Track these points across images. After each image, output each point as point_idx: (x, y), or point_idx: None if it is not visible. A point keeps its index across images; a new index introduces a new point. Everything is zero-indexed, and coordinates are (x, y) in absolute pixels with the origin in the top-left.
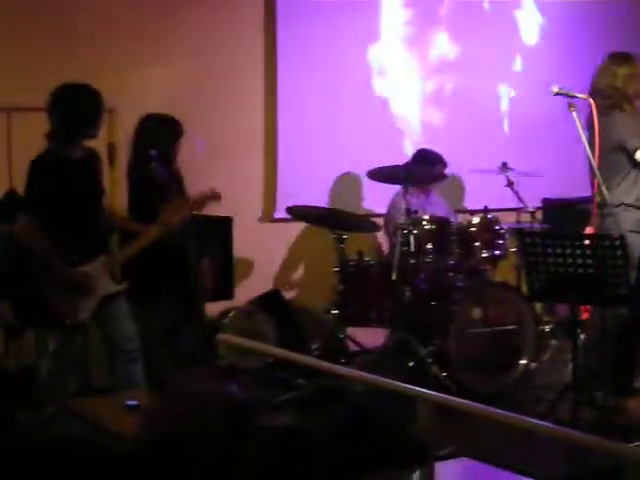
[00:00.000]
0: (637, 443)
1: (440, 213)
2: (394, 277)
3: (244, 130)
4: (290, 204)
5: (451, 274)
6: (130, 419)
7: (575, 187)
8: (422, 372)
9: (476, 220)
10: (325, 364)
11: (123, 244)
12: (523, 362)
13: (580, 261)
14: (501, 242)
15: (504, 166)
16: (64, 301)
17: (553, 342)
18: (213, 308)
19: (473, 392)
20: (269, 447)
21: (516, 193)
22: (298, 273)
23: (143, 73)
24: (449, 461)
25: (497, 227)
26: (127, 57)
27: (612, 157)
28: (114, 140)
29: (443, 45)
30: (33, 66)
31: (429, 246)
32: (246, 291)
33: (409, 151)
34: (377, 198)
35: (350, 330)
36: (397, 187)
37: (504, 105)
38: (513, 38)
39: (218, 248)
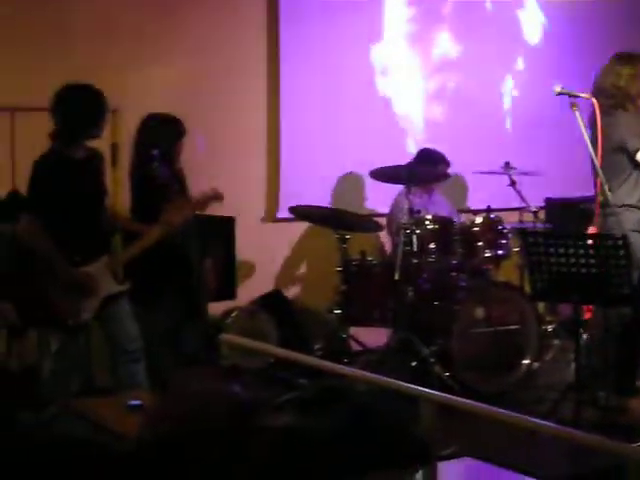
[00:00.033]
0: None
1: (443, 213)
2: (397, 277)
3: (247, 130)
4: (293, 204)
5: (454, 274)
6: (132, 419)
7: (578, 187)
8: (425, 372)
9: (479, 220)
10: (327, 364)
11: (126, 244)
12: (526, 362)
13: (583, 261)
14: (504, 242)
15: (507, 165)
16: (66, 301)
17: (556, 342)
18: (216, 308)
19: (476, 392)
20: (271, 447)
21: (519, 193)
22: (300, 273)
23: (144, 73)
24: (452, 461)
25: (500, 227)
26: (127, 57)
27: (613, 157)
28: (117, 141)
29: (446, 44)
30: (34, 66)
31: (432, 246)
32: (249, 291)
33: (412, 150)
34: (380, 198)
35: (353, 330)
36: (400, 187)
37: (507, 104)
38: (516, 37)
39: (220, 248)
